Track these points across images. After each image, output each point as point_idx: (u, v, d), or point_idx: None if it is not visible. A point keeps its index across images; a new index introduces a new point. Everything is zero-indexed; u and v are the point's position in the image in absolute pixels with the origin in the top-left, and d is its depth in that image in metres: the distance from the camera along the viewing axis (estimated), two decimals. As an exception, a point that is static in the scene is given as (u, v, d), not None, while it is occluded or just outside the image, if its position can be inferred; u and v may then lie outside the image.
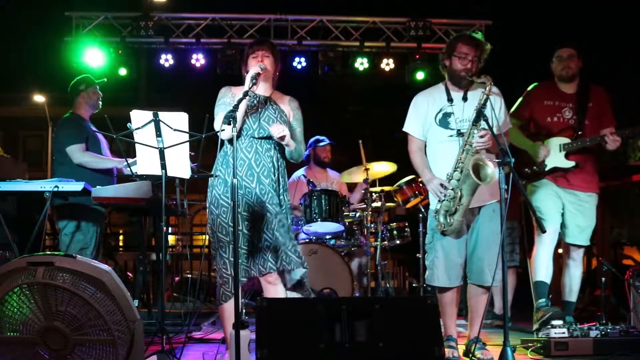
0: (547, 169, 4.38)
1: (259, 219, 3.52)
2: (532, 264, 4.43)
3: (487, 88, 3.57)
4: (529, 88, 4.63)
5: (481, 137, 3.57)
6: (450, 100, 3.78)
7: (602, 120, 4.43)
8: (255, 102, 3.65)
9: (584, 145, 4.33)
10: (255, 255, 3.54)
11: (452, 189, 3.63)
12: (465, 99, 3.77)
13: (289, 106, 3.74)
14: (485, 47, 3.81)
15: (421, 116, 3.84)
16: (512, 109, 4.62)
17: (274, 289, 3.60)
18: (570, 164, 4.36)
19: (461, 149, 3.64)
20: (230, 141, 3.37)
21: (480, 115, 3.57)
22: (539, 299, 4.35)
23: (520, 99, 4.63)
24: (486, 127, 3.56)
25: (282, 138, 3.50)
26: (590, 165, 4.45)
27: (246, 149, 3.59)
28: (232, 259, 3.46)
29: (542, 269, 4.37)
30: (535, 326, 4.27)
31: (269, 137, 3.58)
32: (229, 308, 3.53)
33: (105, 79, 5.15)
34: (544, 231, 3.45)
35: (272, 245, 3.51)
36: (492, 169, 3.53)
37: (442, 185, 3.66)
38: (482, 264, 3.72)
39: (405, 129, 3.91)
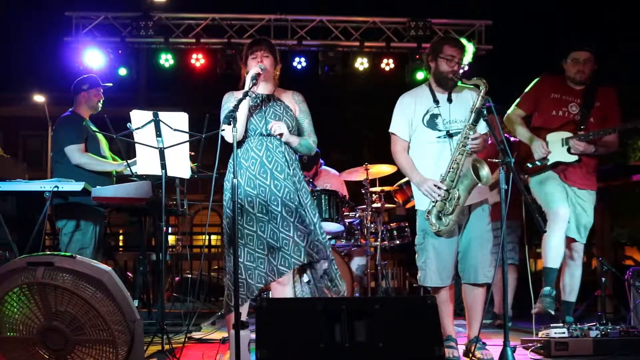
0: (549, 163, 4.37)
1: (274, 218, 3.51)
2: (543, 249, 4.37)
3: (483, 90, 3.59)
4: (537, 79, 4.59)
5: (474, 139, 3.61)
6: (436, 101, 3.80)
7: (607, 120, 4.40)
8: (259, 101, 3.65)
9: (586, 139, 4.30)
10: (274, 257, 3.51)
11: (447, 190, 3.64)
12: (450, 100, 3.79)
13: (293, 100, 3.73)
14: (468, 49, 3.81)
15: (408, 117, 3.84)
16: (518, 99, 4.60)
17: (283, 289, 3.60)
18: (572, 158, 4.34)
19: (456, 149, 3.66)
20: (237, 143, 3.37)
21: (479, 116, 3.61)
22: (545, 286, 4.33)
23: (527, 89, 4.60)
24: (483, 129, 3.65)
25: (281, 135, 3.52)
26: (590, 162, 4.42)
27: (256, 148, 3.59)
28: (247, 262, 3.47)
29: (551, 255, 4.31)
30: (533, 310, 4.28)
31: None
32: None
33: (112, 84, 5.13)
34: (544, 231, 3.45)
35: (291, 241, 3.49)
36: (487, 170, 3.57)
37: (436, 186, 3.67)
38: (475, 262, 3.73)
39: (391, 129, 3.90)
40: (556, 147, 4.37)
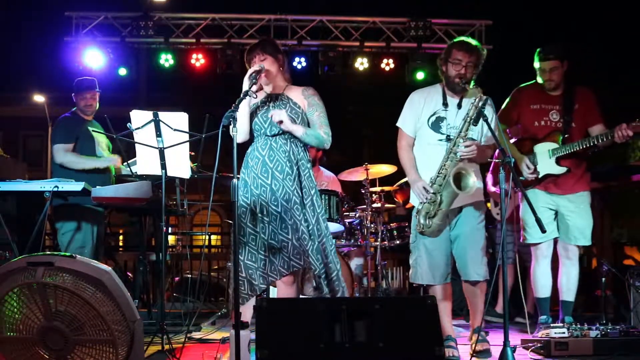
0: (540, 176, 4.38)
1: (275, 219, 3.51)
2: (532, 281, 4.53)
3: (476, 100, 3.61)
4: (514, 91, 4.59)
5: (466, 146, 3.63)
6: (445, 104, 3.82)
7: (588, 120, 4.42)
8: (265, 101, 3.64)
9: (573, 149, 4.30)
10: (275, 257, 3.52)
11: (434, 193, 3.70)
12: (460, 105, 3.81)
13: (302, 96, 3.68)
14: (481, 53, 3.80)
15: (415, 114, 3.88)
16: (498, 113, 4.60)
17: (287, 289, 3.59)
18: (562, 170, 4.34)
19: (446, 155, 3.71)
20: (245, 143, 3.38)
21: (469, 125, 3.65)
22: (541, 315, 4.46)
23: (505, 103, 4.61)
24: (474, 136, 3.71)
25: (281, 123, 3.49)
26: (579, 169, 4.43)
27: (261, 147, 3.60)
28: (247, 261, 3.46)
29: (539, 286, 4.46)
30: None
31: (282, 133, 3.57)
32: (241, 311, 3.53)
33: (97, 90, 5.09)
34: (544, 231, 3.44)
35: (290, 244, 3.48)
36: (473, 179, 3.60)
37: (424, 188, 3.74)
38: (465, 260, 3.79)
39: (398, 124, 3.95)
40: (544, 159, 4.37)
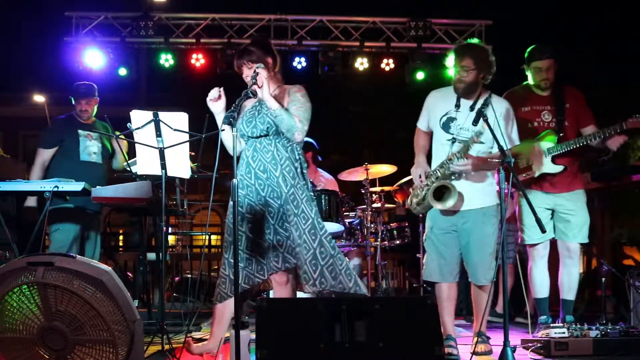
0: (536, 175, 4.39)
1: (261, 217, 3.50)
2: (530, 281, 4.56)
3: (472, 137, 3.65)
4: (503, 96, 4.60)
5: (471, 157, 3.69)
6: (457, 106, 3.85)
7: (580, 119, 4.45)
8: (256, 104, 3.63)
9: (569, 147, 4.31)
10: (262, 257, 3.52)
11: (427, 184, 3.82)
12: (472, 108, 3.82)
13: (287, 94, 3.62)
14: (481, 54, 3.79)
15: (429, 113, 3.97)
16: None
17: (281, 289, 3.59)
18: (559, 168, 4.36)
19: (440, 163, 3.80)
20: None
21: (467, 149, 3.68)
22: (540, 315, 4.48)
23: None
24: (487, 142, 3.74)
25: (260, 87, 3.44)
26: (574, 166, 4.45)
27: (247, 149, 3.61)
28: (232, 260, 3.44)
29: (538, 287, 4.49)
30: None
31: (267, 135, 3.56)
32: (220, 308, 3.54)
33: (93, 98, 5.12)
34: (544, 231, 3.45)
35: (274, 243, 3.48)
36: (452, 199, 3.67)
37: (420, 176, 3.88)
38: (475, 265, 3.85)
39: (417, 123, 4.05)
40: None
